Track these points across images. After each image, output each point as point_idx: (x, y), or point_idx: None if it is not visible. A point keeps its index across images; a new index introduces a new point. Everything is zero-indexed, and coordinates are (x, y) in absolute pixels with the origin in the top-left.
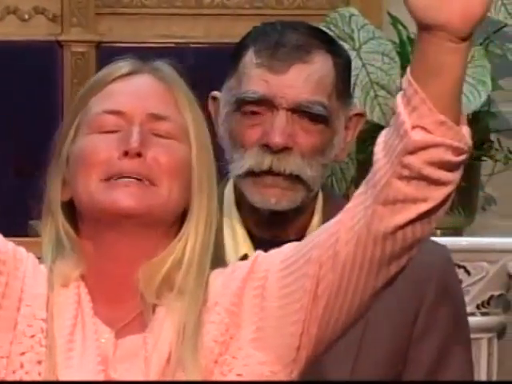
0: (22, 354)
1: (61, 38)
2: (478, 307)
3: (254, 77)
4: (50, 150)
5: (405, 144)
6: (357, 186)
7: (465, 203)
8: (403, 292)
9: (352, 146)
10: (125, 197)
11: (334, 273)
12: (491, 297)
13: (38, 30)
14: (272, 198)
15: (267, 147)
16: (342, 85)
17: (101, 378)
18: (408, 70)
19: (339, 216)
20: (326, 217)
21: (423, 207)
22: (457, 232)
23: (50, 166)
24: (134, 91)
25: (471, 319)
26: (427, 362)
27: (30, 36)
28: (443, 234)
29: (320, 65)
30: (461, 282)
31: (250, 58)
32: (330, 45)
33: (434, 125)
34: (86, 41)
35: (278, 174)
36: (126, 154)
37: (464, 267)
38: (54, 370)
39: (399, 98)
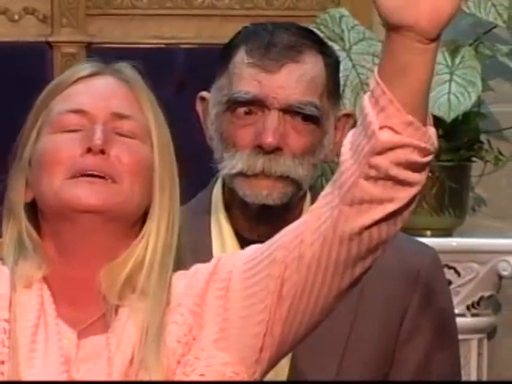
0: None
1: (51, 38)
2: (468, 308)
3: (246, 77)
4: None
5: (372, 144)
6: None
7: (455, 204)
8: (390, 293)
9: (341, 147)
10: (87, 193)
11: (298, 274)
12: (481, 298)
13: (28, 31)
14: (264, 190)
15: (260, 148)
16: (333, 85)
17: (63, 378)
18: (375, 70)
19: (305, 217)
20: None
21: (389, 208)
22: (447, 233)
23: (11, 168)
24: (96, 91)
25: (461, 320)
26: (413, 363)
27: (20, 37)
28: (433, 235)
29: (311, 65)
30: (450, 282)
31: (241, 57)
32: (320, 45)
33: (401, 125)
34: (76, 42)
35: (269, 176)
36: (89, 150)
37: (454, 268)
38: (16, 370)
39: (366, 98)
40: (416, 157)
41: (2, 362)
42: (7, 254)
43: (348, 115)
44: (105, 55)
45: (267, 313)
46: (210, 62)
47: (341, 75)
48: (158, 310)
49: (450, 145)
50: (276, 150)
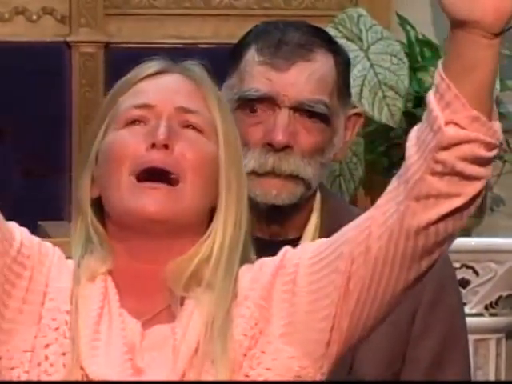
0: (47, 346)
1: (69, 38)
2: (486, 308)
3: (257, 75)
4: (59, 151)
5: (438, 140)
6: (365, 187)
7: None
8: None
9: (360, 147)
10: (151, 202)
11: (365, 268)
12: (499, 297)
13: (47, 31)
14: (273, 189)
15: (270, 146)
16: (343, 84)
17: (128, 366)
18: (439, 65)
19: (370, 212)
20: (324, 216)
21: (456, 202)
22: (465, 232)
23: (77, 166)
24: (162, 87)
25: (480, 320)
26: (425, 362)
27: (39, 37)
28: None
29: (322, 63)
30: (469, 282)
31: (251, 55)
32: (331, 44)
33: (467, 120)
34: (94, 41)
35: (279, 175)
36: (153, 145)
37: (472, 268)
38: (77, 360)
39: (431, 94)
40: (482, 151)
41: (64, 354)
42: (75, 248)
43: (358, 114)
44: (122, 55)
45: (334, 307)
46: (227, 62)
47: (359, 75)
48: (224, 304)
49: None
50: (286, 148)
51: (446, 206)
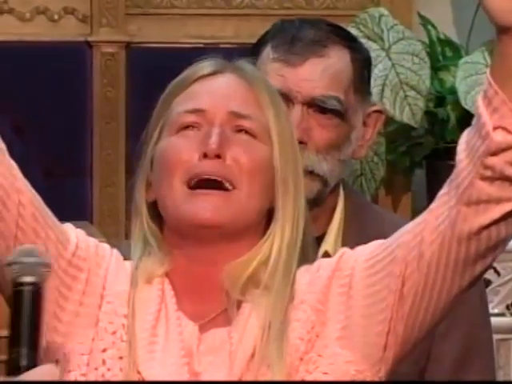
0: (104, 350)
1: (90, 38)
2: (507, 307)
3: (271, 72)
4: (80, 151)
5: (487, 145)
6: (386, 187)
7: None
8: None
9: (381, 146)
10: (205, 209)
11: (419, 272)
12: None
13: (68, 31)
14: None
15: None
16: (361, 80)
17: (184, 370)
18: (488, 70)
19: (423, 216)
20: (348, 214)
21: (507, 207)
22: None
23: (136, 167)
24: (215, 91)
25: (501, 319)
26: (450, 360)
27: (60, 37)
28: None
29: (336, 59)
30: (490, 282)
31: (267, 53)
32: (348, 41)
33: None
34: (115, 41)
35: None
36: (205, 155)
37: (494, 268)
38: (134, 364)
39: (480, 99)
40: None
41: (121, 358)
42: (134, 250)
43: (378, 111)
44: (143, 55)
45: (389, 311)
46: None
47: (380, 74)
48: (281, 307)
49: None
50: (300, 143)
51: (497, 211)
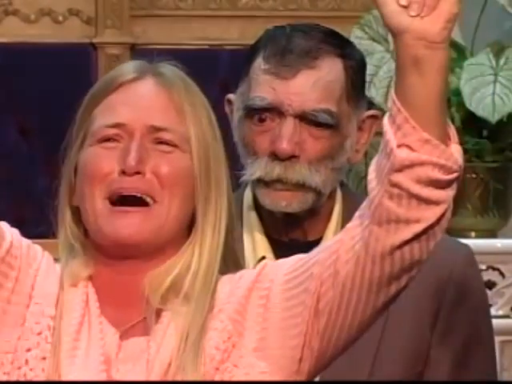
0: (28, 350)
1: (95, 40)
2: None
3: (262, 83)
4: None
5: (391, 162)
6: None
7: (499, 205)
8: (423, 291)
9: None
10: (125, 227)
11: (334, 291)
12: None
13: (73, 32)
14: (282, 200)
15: (276, 155)
16: (354, 88)
17: (103, 377)
18: (392, 89)
19: (340, 235)
20: (346, 216)
21: (416, 228)
22: (491, 234)
23: (62, 168)
24: (134, 103)
25: (506, 322)
26: (449, 363)
27: (65, 38)
28: (477, 236)
29: (328, 70)
30: (495, 284)
31: (258, 63)
32: (340, 48)
33: (418, 143)
34: (120, 43)
35: (285, 183)
36: (124, 172)
37: (498, 269)
38: (57, 367)
39: (386, 117)
40: (437, 174)
41: (44, 359)
42: (61, 252)
43: (374, 116)
44: (149, 56)
45: (305, 326)
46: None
47: (385, 76)
48: (200, 316)
49: (494, 146)
50: (292, 157)
51: (408, 232)
